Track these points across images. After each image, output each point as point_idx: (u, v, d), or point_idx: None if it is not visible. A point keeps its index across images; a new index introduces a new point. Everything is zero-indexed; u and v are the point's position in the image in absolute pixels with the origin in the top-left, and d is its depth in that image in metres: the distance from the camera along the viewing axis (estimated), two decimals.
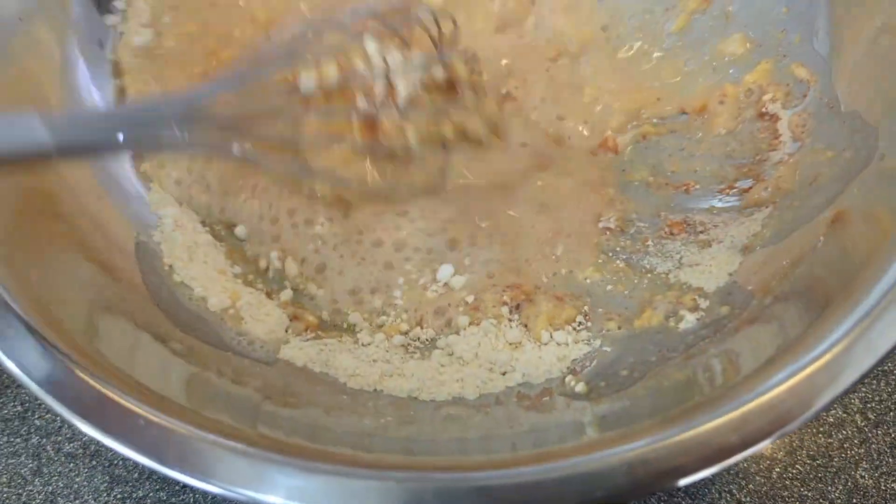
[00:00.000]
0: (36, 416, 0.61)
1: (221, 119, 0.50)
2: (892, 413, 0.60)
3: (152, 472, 0.48)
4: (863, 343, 0.36)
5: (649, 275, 0.56)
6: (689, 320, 0.50)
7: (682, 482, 0.36)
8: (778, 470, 0.59)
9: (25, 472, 0.59)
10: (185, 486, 0.56)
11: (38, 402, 0.50)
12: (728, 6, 0.60)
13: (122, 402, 0.38)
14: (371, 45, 0.54)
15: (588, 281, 0.57)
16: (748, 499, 0.58)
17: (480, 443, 0.45)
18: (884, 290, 0.37)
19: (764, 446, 0.35)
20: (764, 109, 0.57)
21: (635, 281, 0.56)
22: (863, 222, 0.44)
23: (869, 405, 0.60)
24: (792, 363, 0.36)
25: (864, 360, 0.36)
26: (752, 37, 0.59)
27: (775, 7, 0.57)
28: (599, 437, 0.41)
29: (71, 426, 0.56)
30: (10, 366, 0.39)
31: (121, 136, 0.45)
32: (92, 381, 0.39)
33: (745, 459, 0.58)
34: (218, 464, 0.37)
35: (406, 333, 0.56)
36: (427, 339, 0.56)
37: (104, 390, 0.39)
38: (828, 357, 0.36)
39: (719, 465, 0.35)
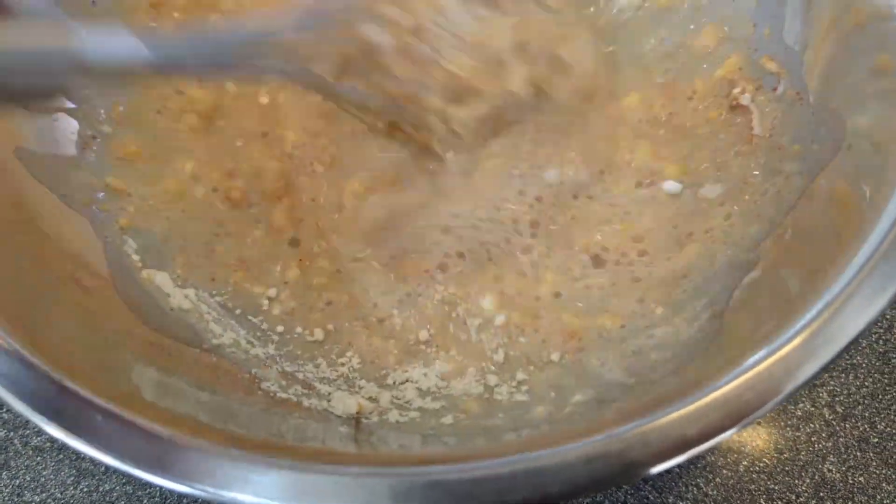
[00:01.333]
0: (4, 410, 0.60)
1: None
2: (860, 407, 0.61)
3: None
4: (824, 334, 0.37)
5: None
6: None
7: (641, 475, 0.36)
8: (745, 463, 0.59)
9: None
10: None
11: None
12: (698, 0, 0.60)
13: (89, 398, 0.38)
14: None
15: None
16: (715, 492, 0.58)
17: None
18: (846, 281, 0.37)
19: (723, 439, 0.35)
20: (735, 103, 0.57)
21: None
22: (830, 212, 0.44)
23: (837, 398, 0.61)
24: (751, 354, 0.37)
25: (824, 353, 0.36)
26: (722, 31, 0.59)
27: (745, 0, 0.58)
28: (557, 430, 0.41)
29: None
30: None
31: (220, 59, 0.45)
32: (55, 379, 0.38)
33: (712, 453, 0.59)
34: (188, 463, 0.36)
35: None
36: None
37: (68, 387, 0.38)
38: (787, 349, 0.36)
39: (678, 457, 0.35)
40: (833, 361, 0.36)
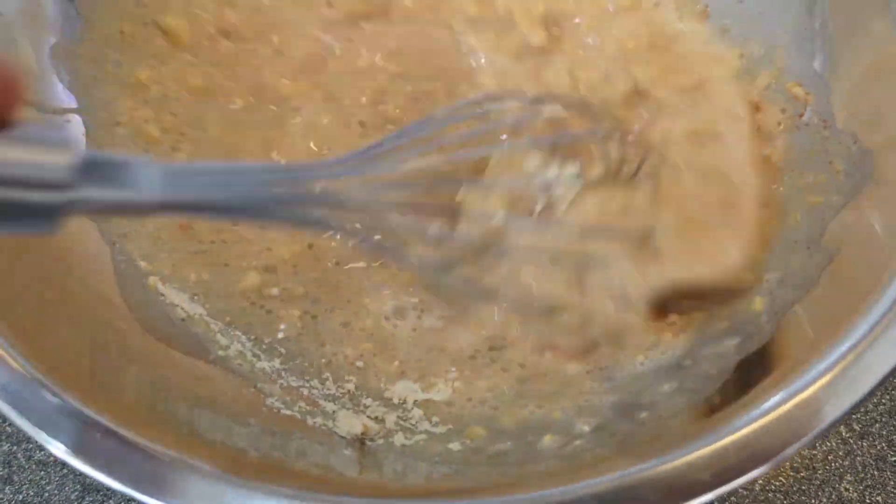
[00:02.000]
0: (7, 423, 0.60)
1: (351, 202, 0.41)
2: (877, 425, 0.59)
3: None
4: (848, 378, 0.35)
5: None
6: None
7: None
8: (761, 482, 0.58)
9: None
10: None
11: None
12: (724, 21, 0.58)
13: (90, 416, 0.38)
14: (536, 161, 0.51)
15: None
16: None
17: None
18: (870, 326, 0.36)
19: (737, 485, 0.34)
20: (759, 127, 0.55)
21: None
22: (854, 249, 0.42)
23: (854, 416, 0.60)
24: (769, 400, 0.35)
25: (848, 397, 0.35)
26: (749, 53, 0.57)
27: (773, 24, 0.56)
28: (568, 467, 0.40)
29: None
30: None
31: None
32: (56, 394, 0.38)
33: None
34: (188, 487, 0.36)
35: None
36: None
37: (69, 403, 0.38)
38: (808, 393, 0.35)
39: (691, 501, 0.35)
40: (858, 406, 0.34)
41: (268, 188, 0.36)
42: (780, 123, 0.54)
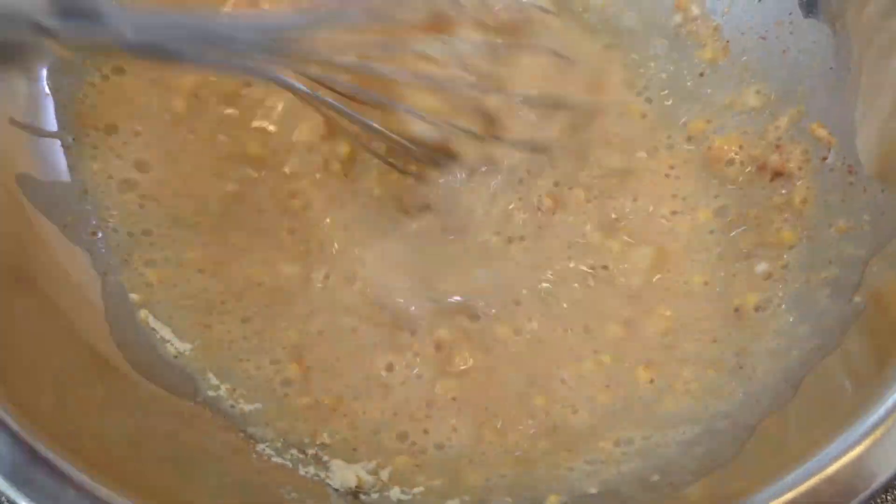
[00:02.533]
0: None
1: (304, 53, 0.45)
2: None
3: None
4: (868, 462, 0.33)
5: None
6: None
7: None
8: None
9: None
10: None
11: None
12: (745, 57, 0.56)
13: (62, 470, 0.36)
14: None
15: None
16: None
17: None
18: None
19: None
20: (779, 170, 0.53)
21: None
22: (882, 314, 0.40)
23: None
24: (790, 469, 0.33)
25: (867, 482, 0.32)
26: (770, 91, 0.55)
27: (797, 61, 0.54)
28: None
29: None
30: None
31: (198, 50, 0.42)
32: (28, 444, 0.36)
33: None
34: None
35: None
36: None
37: (41, 454, 0.36)
38: (836, 467, 0.32)
39: None
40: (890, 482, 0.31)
41: (233, 38, 0.42)
42: (800, 167, 0.52)
